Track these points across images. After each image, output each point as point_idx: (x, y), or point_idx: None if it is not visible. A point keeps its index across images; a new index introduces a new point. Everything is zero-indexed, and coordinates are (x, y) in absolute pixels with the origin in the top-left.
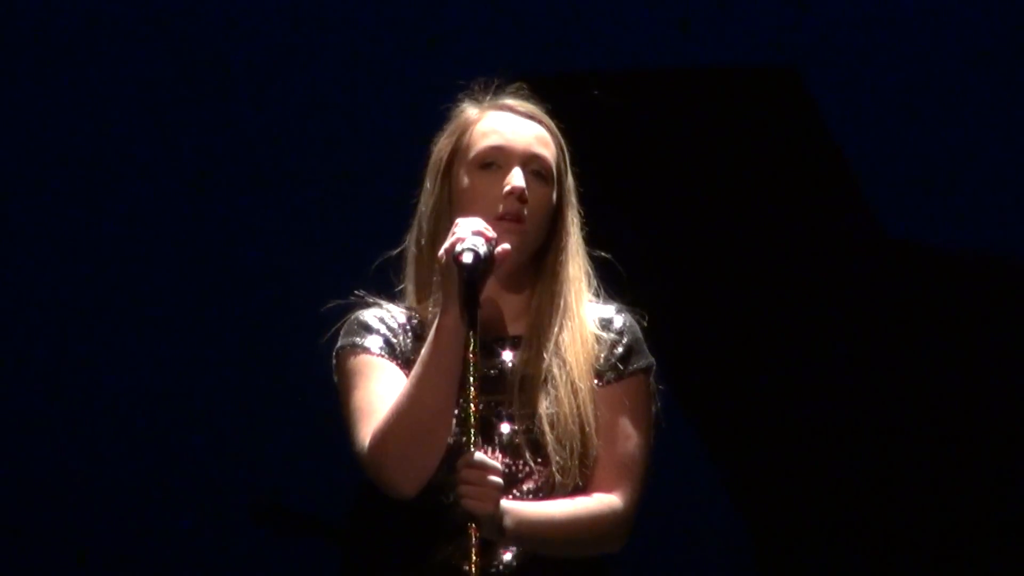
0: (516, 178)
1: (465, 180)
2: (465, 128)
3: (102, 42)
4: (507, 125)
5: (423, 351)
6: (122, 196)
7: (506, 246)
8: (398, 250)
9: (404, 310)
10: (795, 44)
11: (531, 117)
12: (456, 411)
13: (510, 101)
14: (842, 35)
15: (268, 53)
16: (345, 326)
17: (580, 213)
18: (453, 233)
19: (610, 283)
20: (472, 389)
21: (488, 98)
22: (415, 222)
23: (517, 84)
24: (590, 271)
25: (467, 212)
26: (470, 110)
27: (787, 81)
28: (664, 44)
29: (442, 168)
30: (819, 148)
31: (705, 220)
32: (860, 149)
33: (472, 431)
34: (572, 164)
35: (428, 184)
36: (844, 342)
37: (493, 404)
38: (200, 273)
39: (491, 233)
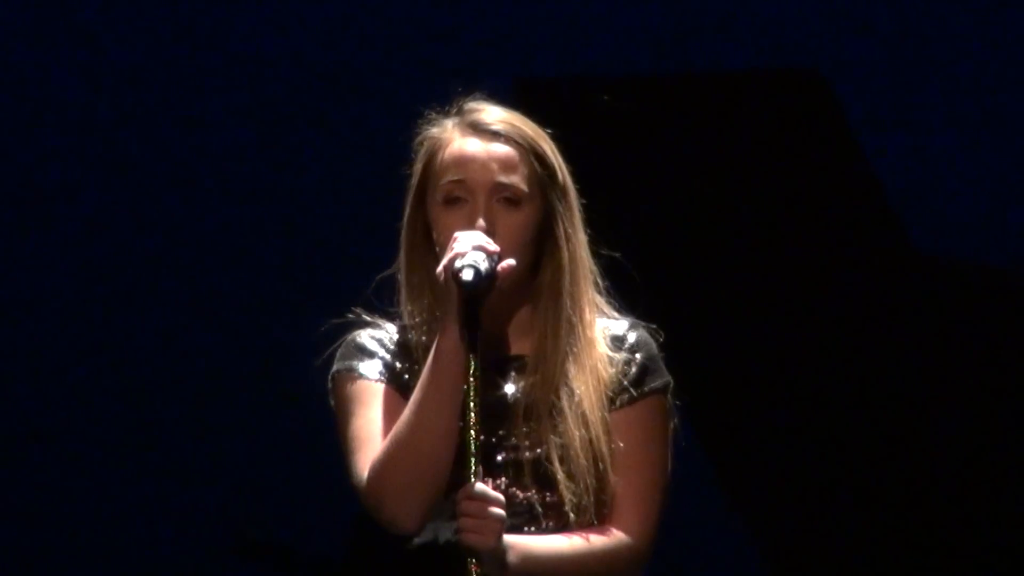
0: (479, 221)
1: (434, 213)
2: (434, 151)
3: (100, 46)
4: (469, 154)
5: (422, 376)
6: (114, 220)
7: (510, 261)
8: (390, 271)
9: (400, 330)
10: (819, 45)
11: (497, 136)
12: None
13: (479, 116)
14: (869, 35)
15: (262, 65)
16: (341, 348)
17: (583, 216)
18: (451, 248)
19: (624, 290)
20: (473, 415)
21: (457, 110)
22: (400, 248)
23: (478, 95)
24: (598, 280)
25: (440, 244)
26: (438, 129)
27: (811, 84)
28: (681, 47)
29: (414, 195)
30: (844, 155)
31: (725, 228)
32: (887, 156)
33: (473, 460)
34: (568, 165)
35: (407, 210)
36: (866, 357)
37: (496, 434)
38: (190, 293)
39: (493, 247)
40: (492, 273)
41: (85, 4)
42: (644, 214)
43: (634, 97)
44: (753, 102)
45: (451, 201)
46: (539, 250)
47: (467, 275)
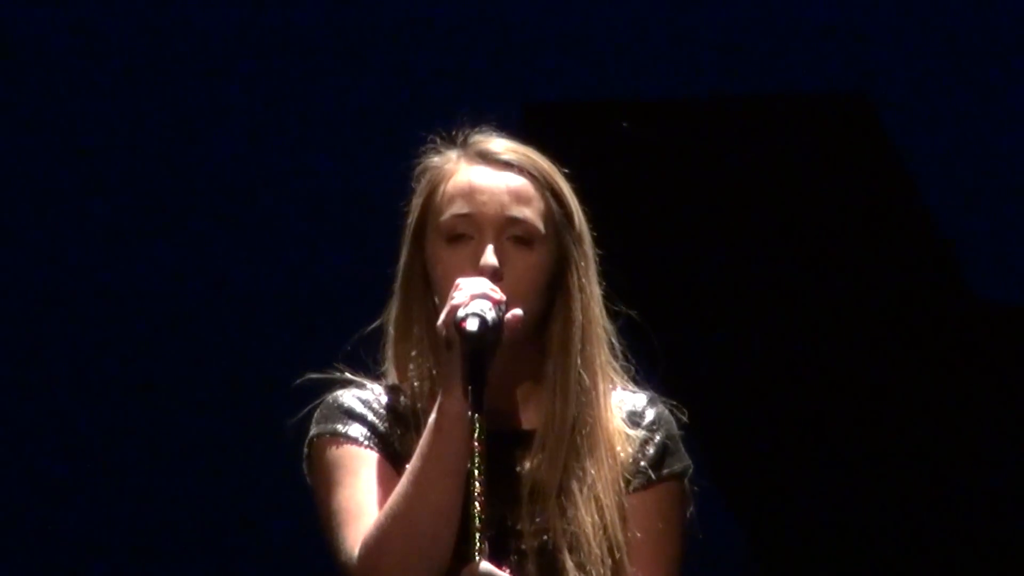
0: (487, 256)
1: (434, 253)
2: (436, 185)
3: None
4: (478, 184)
5: (421, 441)
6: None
7: (518, 311)
8: (375, 324)
9: (388, 390)
10: (865, 67)
11: (509, 166)
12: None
13: (488, 145)
14: (918, 58)
15: (260, 94)
16: (320, 409)
17: (598, 264)
18: (452, 298)
19: (640, 354)
20: (477, 484)
21: (462, 140)
22: (392, 296)
23: (485, 126)
24: (614, 342)
25: (439, 291)
26: (441, 159)
27: (857, 108)
28: (715, 69)
29: (412, 234)
30: (893, 187)
31: (760, 276)
32: (935, 183)
33: (478, 536)
34: (585, 207)
35: (403, 252)
36: (910, 400)
37: (499, 515)
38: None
39: (499, 295)
40: (499, 323)
41: (85, 4)
42: (669, 261)
43: (661, 124)
44: (793, 129)
45: (455, 239)
46: (548, 303)
47: (472, 325)
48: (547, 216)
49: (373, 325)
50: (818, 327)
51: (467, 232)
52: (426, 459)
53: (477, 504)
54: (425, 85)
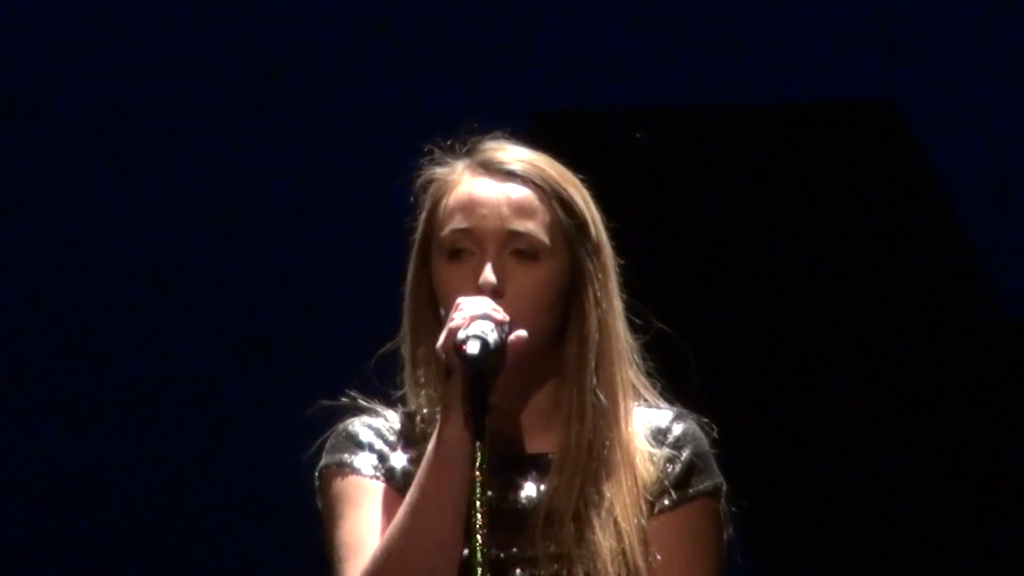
0: (486, 273)
1: (437, 271)
2: (439, 198)
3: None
4: (478, 197)
5: (420, 470)
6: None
7: (521, 333)
8: (394, 345)
9: (403, 417)
10: (894, 75)
11: (513, 176)
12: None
13: (492, 154)
14: (948, 66)
15: (264, 102)
16: (331, 438)
17: (620, 281)
18: (452, 319)
19: (670, 372)
20: (479, 516)
21: (468, 150)
22: (403, 315)
23: (498, 133)
24: (636, 358)
25: (445, 310)
26: (445, 170)
27: (885, 118)
28: (739, 76)
29: (418, 250)
30: (922, 198)
31: (785, 283)
32: (966, 196)
33: (480, 572)
34: (607, 219)
35: (410, 270)
36: (941, 423)
37: (510, 546)
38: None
39: (501, 315)
40: (502, 345)
41: (85, 4)
42: (692, 272)
43: (678, 134)
44: (818, 139)
45: (455, 255)
46: (562, 320)
47: (472, 348)
48: (554, 228)
49: (383, 349)
50: (842, 340)
51: (467, 247)
52: (423, 489)
53: (479, 537)
54: (430, 93)
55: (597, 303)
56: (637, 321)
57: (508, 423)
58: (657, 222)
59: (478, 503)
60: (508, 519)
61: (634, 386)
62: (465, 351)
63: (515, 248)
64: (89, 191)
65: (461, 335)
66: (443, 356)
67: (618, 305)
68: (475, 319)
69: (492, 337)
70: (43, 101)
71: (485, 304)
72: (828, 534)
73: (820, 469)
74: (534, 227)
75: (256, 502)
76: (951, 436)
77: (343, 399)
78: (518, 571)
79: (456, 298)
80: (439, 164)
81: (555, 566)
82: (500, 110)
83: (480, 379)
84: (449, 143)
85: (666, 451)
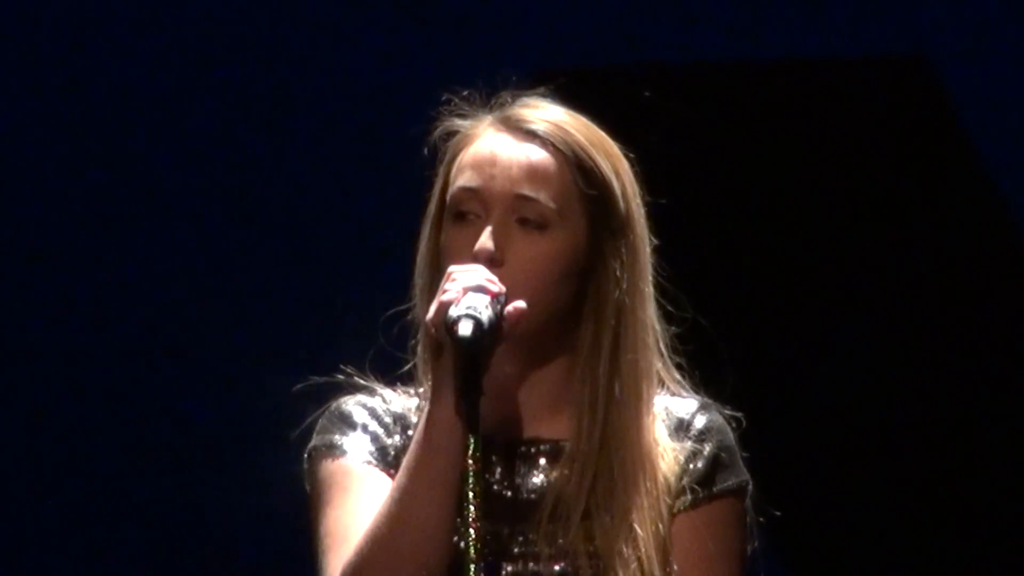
0: (483, 238)
1: (443, 231)
2: (459, 151)
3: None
4: (493, 155)
5: (407, 455)
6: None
7: (520, 304)
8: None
9: (403, 397)
10: (924, 27)
11: (533, 137)
12: (456, 539)
13: (520, 111)
14: (981, 16)
15: (257, 50)
16: (323, 418)
17: (655, 262)
18: (444, 291)
19: (700, 362)
20: (472, 508)
21: (499, 103)
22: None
23: (541, 88)
24: (661, 346)
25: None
26: (470, 123)
27: (915, 72)
28: (767, 31)
29: (434, 209)
30: (954, 154)
31: (813, 246)
32: (1000, 152)
33: (473, 568)
34: (642, 192)
35: (424, 230)
36: (981, 386)
37: (511, 538)
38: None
39: (497, 287)
40: (496, 321)
41: (84, 4)
42: (700, 246)
43: (694, 92)
44: (846, 96)
45: (460, 216)
46: (578, 299)
47: (465, 328)
48: (569, 197)
49: (391, 312)
50: (874, 304)
51: (473, 209)
52: (412, 474)
53: (472, 531)
54: (431, 53)
55: (617, 284)
56: (671, 309)
57: (514, 404)
58: (666, 192)
59: (471, 494)
60: (510, 508)
61: (660, 375)
62: (457, 332)
63: (522, 215)
64: (86, 189)
65: (453, 312)
66: (433, 331)
67: (645, 289)
68: (468, 291)
69: (486, 314)
70: (45, 101)
71: (479, 274)
72: (862, 549)
73: (862, 482)
74: (545, 195)
75: (256, 502)
76: (1000, 423)
77: (339, 376)
78: (518, 566)
79: (452, 264)
80: (465, 116)
81: (560, 564)
82: (502, 68)
83: (473, 363)
84: (485, 95)
85: (689, 445)
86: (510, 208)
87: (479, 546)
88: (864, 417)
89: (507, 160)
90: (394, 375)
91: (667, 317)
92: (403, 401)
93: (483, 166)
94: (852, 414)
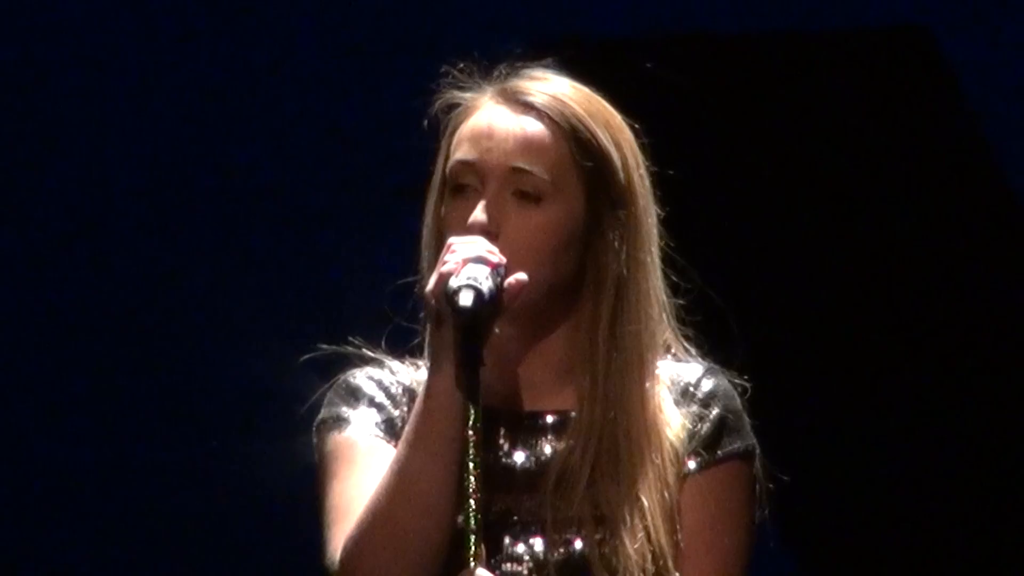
0: (477, 212)
1: (444, 204)
2: (459, 123)
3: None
4: (490, 127)
5: (407, 426)
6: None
7: (521, 276)
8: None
9: (412, 369)
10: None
11: (530, 109)
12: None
13: (519, 82)
14: None
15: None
16: (331, 391)
17: (661, 232)
18: (444, 262)
19: (708, 331)
20: (472, 480)
21: (502, 74)
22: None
23: (548, 60)
24: (668, 316)
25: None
26: (471, 95)
27: (917, 43)
28: (764, 3)
29: (438, 181)
30: (957, 126)
31: (818, 223)
32: (1003, 124)
33: (474, 539)
34: (651, 166)
35: (428, 202)
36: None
37: (513, 511)
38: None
39: (497, 258)
40: (497, 292)
41: (84, 4)
42: (724, 217)
43: (694, 64)
44: (848, 68)
45: (458, 189)
46: (578, 269)
47: (465, 299)
48: (566, 170)
49: (397, 283)
50: (880, 274)
51: (470, 182)
52: (412, 446)
53: (472, 502)
54: (424, 23)
55: (617, 255)
56: (676, 280)
57: (518, 376)
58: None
59: (471, 465)
60: (515, 477)
61: (667, 343)
62: (457, 301)
63: (517, 187)
64: (84, 187)
65: (453, 283)
66: (433, 302)
67: (647, 260)
68: (468, 262)
69: (487, 285)
70: (45, 100)
71: (480, 245)
72: (871, 520)
73: (871, 453)
74: (540, 167)
75: (257, 499)
76: (1006, 384)
77: (348, 347)
78: (520, 539)
79: (450, 237)
80: (466, 88)
81: (566, 535)
82: (496, 40)
83: (473, 333)
84: (487, 65)
85: (695, 409)
86: (505, 181)
87: (479, 517)
88: (875, 387)
89: (503, 132)
90: (405, 348)
91: (674, 288)
92: (411, 373)
93: (480, 139)
94: (861, 385)
